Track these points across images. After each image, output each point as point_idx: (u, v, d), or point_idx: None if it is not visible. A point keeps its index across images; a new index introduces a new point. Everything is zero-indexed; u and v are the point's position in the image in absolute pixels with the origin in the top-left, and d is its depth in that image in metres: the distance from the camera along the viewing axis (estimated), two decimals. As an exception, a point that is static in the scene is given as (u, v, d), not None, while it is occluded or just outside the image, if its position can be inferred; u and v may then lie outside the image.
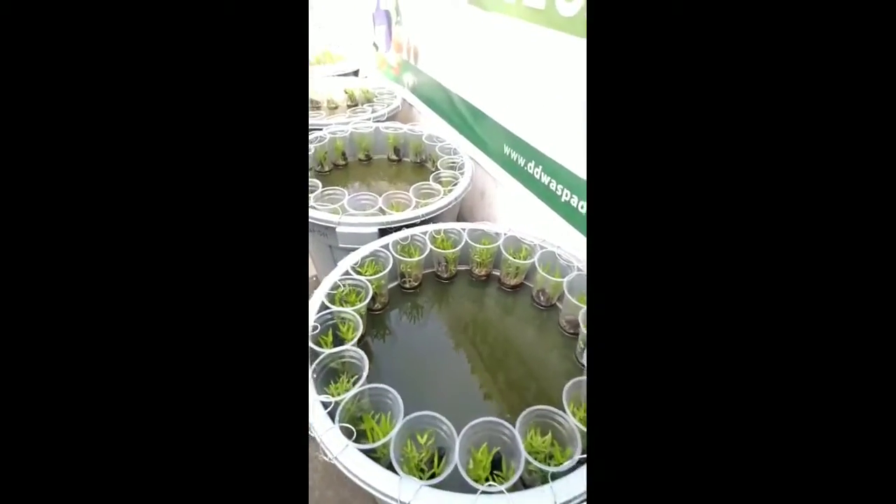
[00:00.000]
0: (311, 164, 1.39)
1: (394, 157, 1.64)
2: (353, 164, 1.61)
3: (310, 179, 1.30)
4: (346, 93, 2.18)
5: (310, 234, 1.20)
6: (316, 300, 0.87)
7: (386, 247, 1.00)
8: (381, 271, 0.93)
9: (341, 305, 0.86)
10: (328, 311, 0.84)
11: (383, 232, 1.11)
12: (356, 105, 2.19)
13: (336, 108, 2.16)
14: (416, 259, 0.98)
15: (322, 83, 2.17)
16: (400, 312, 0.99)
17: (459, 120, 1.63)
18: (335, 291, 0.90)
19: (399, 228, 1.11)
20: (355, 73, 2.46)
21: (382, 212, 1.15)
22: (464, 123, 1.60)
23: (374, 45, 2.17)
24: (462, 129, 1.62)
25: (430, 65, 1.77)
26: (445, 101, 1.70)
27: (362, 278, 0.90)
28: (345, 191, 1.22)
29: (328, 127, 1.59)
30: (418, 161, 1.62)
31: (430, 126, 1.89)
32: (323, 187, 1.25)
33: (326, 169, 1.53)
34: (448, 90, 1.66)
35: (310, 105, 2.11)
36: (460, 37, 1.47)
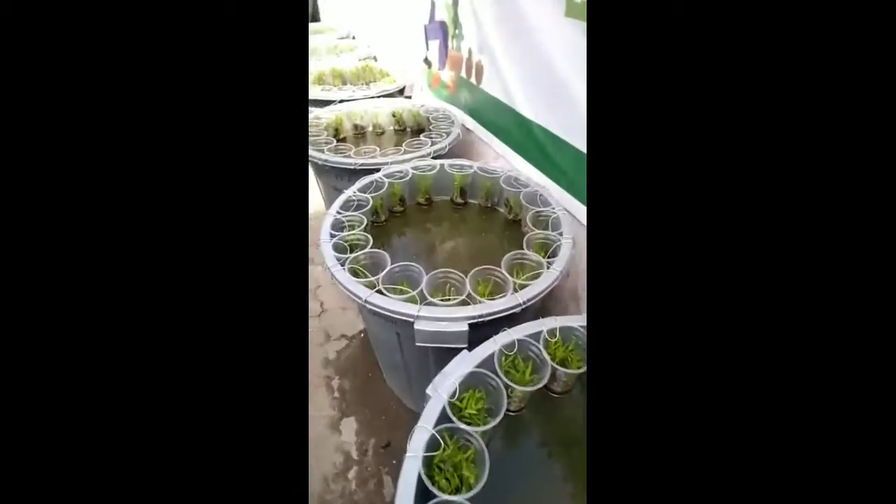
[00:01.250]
0: (366, 216, 1.14)
1: (459, 199, 1.37)
2: (412, 210, 1.36)
3: (362, 234, 1.06)
4: (395, 116, 1.94)
5: (374, 321, 0.96)
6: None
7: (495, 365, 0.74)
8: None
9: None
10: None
11: (474, 326, 0.84)
12: (404, 130, 1.94)
13: (382, 133, 1.93)
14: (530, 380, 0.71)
15: (366, 105, 1.93)
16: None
17: (539, 154, 1.34)
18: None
19: (494, 321, 0.84)
20: (400, 92, 2.21)
21: (470, 299, 0.88)
22: (545, 159, 1.31)
23: (426, 61, 1.92)
24: (543, 165, 1.33)
25: (498, 86, 1.49)
26: (519, 129, 1.42)
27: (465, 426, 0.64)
28: (421, 268, 0.94)
29: (385, 167, 1.34)
30: (489, 205, 1.34)
31: (493, 156, 1.61)
32: (382, 248, 1.00)
33: (383, 218, 1.28)
34: (524, 117, 1.37)
35: (354, 131, 1.89)
36: (548, 54, 1.18)
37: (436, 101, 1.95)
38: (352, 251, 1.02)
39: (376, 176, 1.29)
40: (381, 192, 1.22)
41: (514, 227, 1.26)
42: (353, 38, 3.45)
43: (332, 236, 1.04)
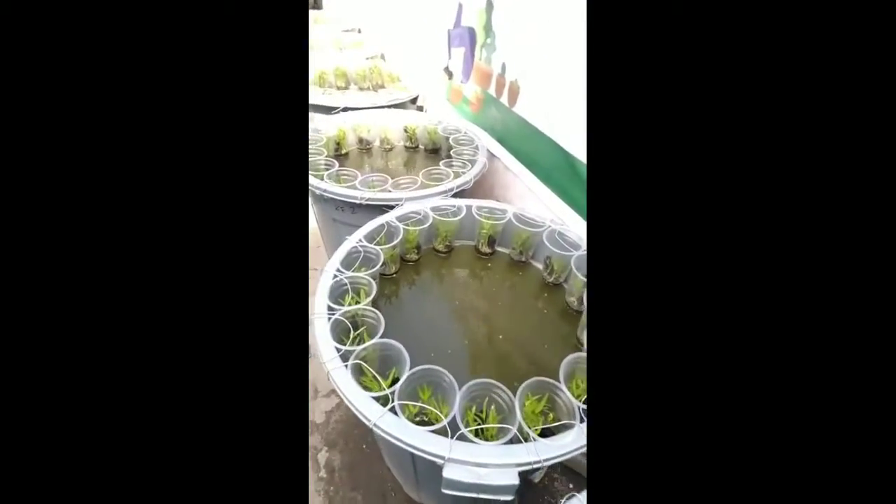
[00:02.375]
0: (375, 278, 0.90)
1: (486, 249, 1.13)
2: (429, 259, 1.11)
3: (371, 311, 0.82)
4: (407, 132, 1.68)
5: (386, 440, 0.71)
6: None
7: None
8: None
9: None
10: None
11: (525, 474, 0.61)
12: (416, 148, 1.69)
13: (391, 149, 1.67)
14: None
15: (374, 117, 1.67)
16: None
17: (583, 197, 1.12)
18: None
19: (554, 463, 0.61)
20: (413, 101, 1.96)
21: (519, 433, 0.64)
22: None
23: (447, 70, 1.67)
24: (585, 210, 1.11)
25: (538, 112, 1.25)
26: (559, 166, 1.19)
27: None
28: (451, 377, 0.69)
29: (399, 205, 1.09)
30: (522, 259, 1.11)
31: (521, 190, 1.37)
32: (390, 302, 0.74)
33: (393, 270, 1.03)
34: (568, 153, 1.14)
35: (359, 146, 1.63)
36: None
37: (455, 119, 1.70)
38: (355, 327, 0.78)
39: (388, 219, 1.04)
40: (394, 241, 0.97)
41: (556, 294, 1.02)
42: (359, 31, 3.17)
43: (332, 310, 0.79)
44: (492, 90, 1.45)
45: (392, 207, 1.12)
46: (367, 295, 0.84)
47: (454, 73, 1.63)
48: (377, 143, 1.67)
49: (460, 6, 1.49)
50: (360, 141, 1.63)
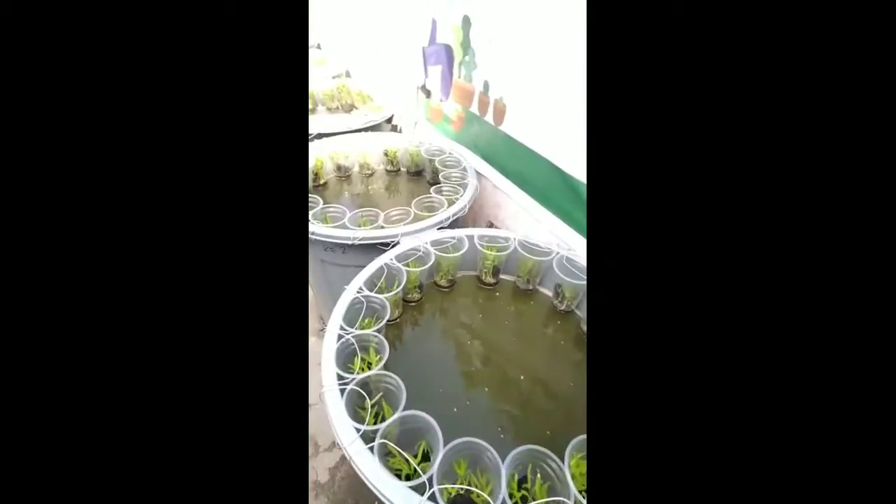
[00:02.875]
0: (384, 334, 0.82)
1: (490, 279, 1.07)
2: (432, 296, 1.03)
3: (392, 377, 0.74)
4: (387, 156, 1.60)
5: None
6: None
7: None
8: None
9: None
10: None
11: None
12: (398, 171, 1.61)
13: (371, 174, 1.58)
14: None
15: (352, 142, 1.58)
16: None
17: (584, 217, 1.08)
18: None
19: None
20: (388, 121, 1.88)
21: None
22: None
23: (425, 89, 1.60)
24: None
25: (528, 131, 1.21)
26: (556, 185, 1.15)
27: None
28: (493, 451, 0.62)
29: (396, 243, 1.01)
30: (529, 288, 1.05)
31: (514, 209, 1.33)
32: (399, 353, 0.66)
33: (396, 315, 0.95)
34: (566, 173, 1.11)
35: (337, 173, 1.53)
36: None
37: (437, 138, 1.64)
38: (368, 393, 0.69)
39: (386, 260, 0.96)
40: (396, 288, 0.89)
41: (568, 322, 0.98)
42: (319, 47, 3.05)
43: (343, 380, 0.70)
44: (474, 108, 1.40)
45: (387, 244, 1.04)
46: (379, 354, 0.76)
47: (432, 91, 1.57)
48: (356, 169, 1.58)
49: (434, 23, 1.43)
50: (339, 168, 1.54)
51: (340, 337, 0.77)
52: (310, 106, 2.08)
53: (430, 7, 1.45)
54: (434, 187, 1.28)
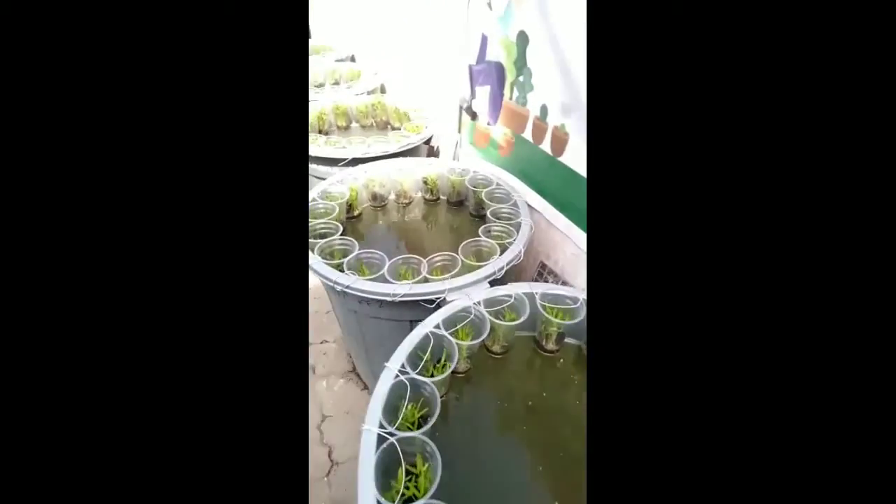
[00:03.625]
0: (430, 410, 0.67)
1: (553, 346, 0.91)
2: (481, 360, 0.88)
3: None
4: (427, 184, 1.46)
5: None
6: None
7: None
8: None
9: None
10: None
11: None
12: (437, 200, 1.47)
13: (408, 203, 1.44)
14: None
15: (387, 167, 1.44)
16: None
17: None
18: None
19: None
20: (426, 142, 1.74)
21: None
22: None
23: (470, 111, 1.45)
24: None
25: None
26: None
27: None
28: None
29: (441, 300, 0.86)
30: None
31: (573, 251, 1.15)
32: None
33: (442, 393, 0.80)
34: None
35: (371, 202, 1.40)
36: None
37: (480, 164, 1.49)
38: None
39: (430, 328, 0.80)
40: (443, 370, 0.73)
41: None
42: (353, 59, 2.96)
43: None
44: (527, 135, 1.24)
45: (431, 302, 0.90)
46: (428, 463, 0.60)
47: (479, 113, 1.42)
48: (392, 197, 1.45)
49: (485, 38, 1.28)
50: (374, 197, 1.41)
51: (382, 440, 0.62)
52: (342, 123, 1.97)
53: (479, 21, 1.30)
54: (482, 228, 1.12)
